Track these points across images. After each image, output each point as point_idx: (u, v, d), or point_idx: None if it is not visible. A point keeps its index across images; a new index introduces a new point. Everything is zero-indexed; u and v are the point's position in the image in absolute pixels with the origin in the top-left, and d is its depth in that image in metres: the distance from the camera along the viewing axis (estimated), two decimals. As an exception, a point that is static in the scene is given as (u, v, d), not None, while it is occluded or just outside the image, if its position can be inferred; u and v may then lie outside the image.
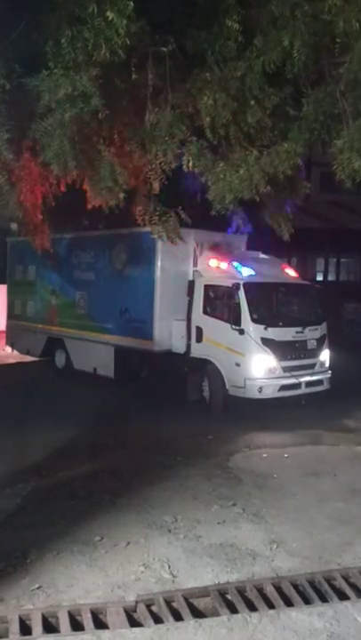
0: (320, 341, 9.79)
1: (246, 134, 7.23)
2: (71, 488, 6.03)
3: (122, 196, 6.91)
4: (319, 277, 24.82)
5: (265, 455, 7.33)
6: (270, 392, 9.02)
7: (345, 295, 19.92)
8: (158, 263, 9.94)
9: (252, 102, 6.96)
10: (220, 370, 9.34)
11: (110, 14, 5.45)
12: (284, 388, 9.15)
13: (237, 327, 9.05)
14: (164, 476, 6.39)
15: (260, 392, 8.96)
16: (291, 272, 10.61)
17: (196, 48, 6.89)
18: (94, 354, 11.33)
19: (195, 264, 10.04)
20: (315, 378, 9.59)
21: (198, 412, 9.38)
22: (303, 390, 9.36)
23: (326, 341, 9.95)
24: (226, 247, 10.45)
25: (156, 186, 7.40)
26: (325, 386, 9.77)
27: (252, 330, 9.00)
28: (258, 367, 8.99)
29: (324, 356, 9.87)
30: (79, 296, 11.88)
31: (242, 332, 9.02)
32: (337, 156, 6.77)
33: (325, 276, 24.36)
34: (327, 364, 9.95)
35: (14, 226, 13.58)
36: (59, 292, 12.46)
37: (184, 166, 7.03)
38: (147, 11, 6.02)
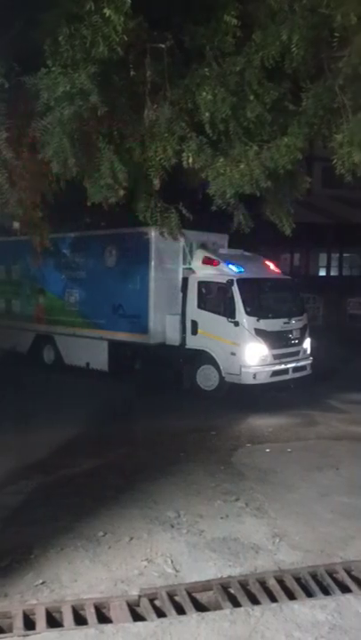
0: (303, 330, 10.75)
1: (246, 129, 7.20)
2: (74, 484, 6.06)
3: (122, 192, 6.91)
4: (322, 272, 24.82)
5: (268, 450, 7.36)
6: (263, 378, 9.92)
7: (348, 290, 19.92)
8: (152, 261, 10.59)
9: (252, 97, 6.92)
10: (215, 359, 10.09)
11: (108, 11, 5.43)
12: (275, 373, 10.08)
13: (233, 319, 9.88)
14: (167, 471, 6.42)
15: (254, 378, 9.82)
16: (273, 268, 11.53)
17: (194, 43, 6.86)
18: (87, 349, 11.78)
19: (185, 262, 10.76)
20: (300, 364, 10.55)
21: (196, 403, 9.74)
22: (291, 375, 10.34)
23: (308, 330, 10.90)
24: (212, 245, 11.25)
25: (157, 182, 7.39)
26: (308, 371, 10.73)
27: (246, 322, 9.86)
28: (252, 356, 9.84)
29: (307, 343, 10.83)
30: (69, 294, 12.27)
31: (237, 323, 9.86)
32: (337, 151, 6.75)
33: (328, 271, 24.35)
34: (309, 351, 10.87)
35: (17, 224, 13.61)
36: (47, 291, 12.81)
37: (184, 162, 7.02)
38: (144, 7, 6.00)
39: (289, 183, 8.49)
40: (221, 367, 10.04)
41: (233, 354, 9.87)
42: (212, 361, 10.18)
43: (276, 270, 11.59)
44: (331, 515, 5.37)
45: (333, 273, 24.18)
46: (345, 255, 24.57)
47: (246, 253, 11.49)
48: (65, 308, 12.39)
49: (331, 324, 17.77)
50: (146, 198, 8.11)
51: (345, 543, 4.80)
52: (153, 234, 10.15)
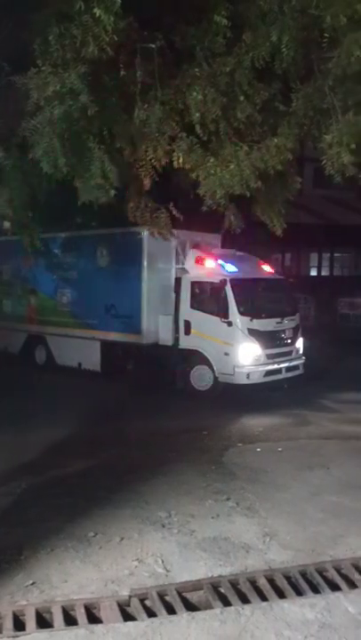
0: (295, 330, 10.73)
1: (236, 130, 7.24)
2: (66, 485, 6.04)
3: (112, 192, 6.90)
4: (313, 272, 24.90)
5: (259, 450, 7.36)
6: (257, 378, 9.89)
7: (339, 290, 20.00)
8: (145, 261, 10.56)
9: (242, 98, 6.96)
10: (209, 359, 10.07)
11: (97, 11, 5.44)
12: (268, 373, 10.05)
13: (226, 320, 9.84)
14: (159, 471, 6.41)
15: (248, 378, 9.80)
16: (266, 268, 11.50)
17: (184, 44, 6.90)
18: (79, 349, 11.77)
19: (177, 261, 10.72)
20: (293, 364, 10.54)
21: (189, 403, 9.72)
22: (284, 375, 10.33)
23: (300, 330, 10.88)
24: (205, 245, 11.15)
25: (147, 182, 7.40)
26: (301, 370, 10.71)
27: (240, 322, 9.81)
28: (245, 356, 9.81)
29: (299, 343, 10.81)
30: (61, 294, 12.23)
31: (230, 324, 9.82)
32: (326, 151, 6.79)
33: (319, 271, 24.44)
34: (301, 351, 10.85)
35: (7, 224, 13.58)
36: (39, 291, 12.76)
37: (174, 162, 7.03)
38: (134, 7, 6.01)
39: (279, 183, 8.53)
40: (215, 367, 10.02)
41: (226, 354, 9.85)
42: (205, 361, 10.16)
43: (270, 270, 11.59)
44: (321, 514, 5.39)
45: (324, 273, 24.28)
46: (336, 255, 24.68)
47: (239, 253, 11.48)
48: (57, 309, 12.35)
49: (322, 324, 17.84)
50: (136, 198, 8.11)
51: (335, 542, 4.82)
52: (145, 234, 10.14)
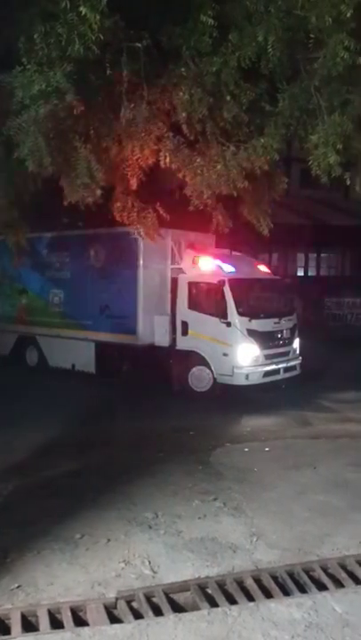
0: (292, 330, 10.71)
1: (223, 130, 7.23)
2: (54, 486, 6.01)
3: (98, 192, 6.86)
4: (300, 273, 24.98)
5: (246, 449, 7.38)
6: (256, 378, 9.83)
7: (326, 290, 20.11)
8: (141, 261, 10.45)
9: (228, 98, 6.94)
10: (207, 360, 9.99)
11: (83, 9, 5.39)
12: (267, 374, 9.99)
13: (225, 320, 9.76)
14: (147, 472, 6.40)
15: (247, 379, 9.73)
16: (263, 268, 11.49)
17: (171, 43, 6.85)
18: (72, 350, 11.61)
19: (173, 262, 10.65)
20: (290, 364, 10.52)
21: (183, 404, 9.63)
22: (282, 376, 10.29)
23: (297, 330, 10.85)
24: (200, 245, 11.05)
25: (134, 182, 7.37)
26: (298, 371, 10.71)
27: (239, 322, 9.75)
28: (244, 356, 9.75)
29: (296, 343, 10.80)
30: (53, 294, 12.05)
31: (229, 324, 9.75)
32: (312, 152, 6.80)
33: (306, 272, 24.53)
34: (298, 351, 10.83)
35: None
36: (29, 291, 12.56)
37: (161, 162, 7.01)
38: (120, 6, 5.97)
39: (266, 184, 8.54)
40: (213, 368, 9.93)
41: (225, 354, 9.78)
42: (203, 362, 10.07)
43: (266, 270, 11.55)
44: (308, 513, 5.41)
45: (311, 273, 24.38)
46: (323, 255, 24.78)
47: (235, 253, 11.37)
48: (49, 309, 12.15)
49: (309, 324, 17.90)
50: (123, 198, 8.08)
51: (321, 541, 4.84)
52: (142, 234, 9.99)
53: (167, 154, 6.97)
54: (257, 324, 9.87)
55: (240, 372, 9.68)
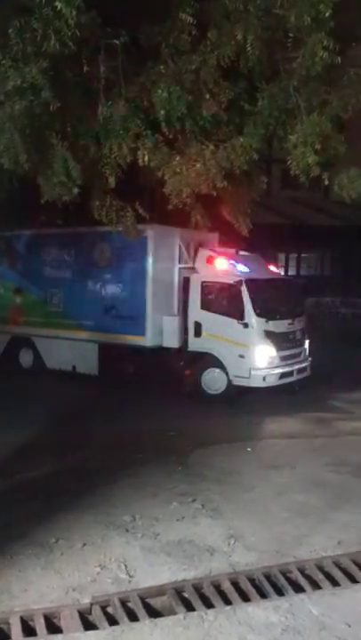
0: (303, 332, 10.55)
1: (202, 128, 7.19)
2: (30, 489, 5.90)
3: (75, 191, 6.76)
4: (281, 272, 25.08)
5: (227, 450, 7.33)
6: (273, 380, 9.63)
7: (306, 290, 20.20)
8: (150, 261, 10.08)
9: (207, 96, 6.92)
10: (222, 362, 9.75)
11: (59, 4, 5.32)
12: (282, 376, 9.79)
13: (242, 321, 9.52)
14: (125, 474, 6.31)
15: (264, 381, 9.53)
16: (273, 268, 11.36)
17: (149, 41, 6.82)
18: (73, 351, 11.13)
19: (180, 260, 10.32)
20: (302, 365, 10.32)
21: (185, 406, 9.34)
22: (296, 377, 10.07)
23: (307, 331, 10.69)
24: (206, 245, 10.66)
25: (112, 180, 7.28)
26: (308, 372, 10.48)
27: (256, 323, 9.52)
28: (262, 358, 9.55)
29: (306, 344, 10.64)
30: (51, 294, 11.55)
31: (246, 325, 9.51)
32: (291, 151, 6.80)
33: (286, 272, 24.62)
34: (308, 352, 10.67)
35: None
36: (24, 291, 12.07)
37: (139, 160, 6.94)
38: (98, 3, 5.90)
39: (246, 183, 8.53)
40: (229, 370, 9.67)
41: (242, 356, 9.53)
42: (217, 364, 9.80)
43: (276, 270, 11.35)
44: (286, 513, 5.39)
45: (291, 273, 24.50)
46: (303, 256, 24.93)
47: (243, 253, 10.91)
48: (46, 309, 11.60)
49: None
50: (101, 196, 7.99)
51: (299, 542, 4.81)
52: (151, 232, 9.77)
53: (146, 152, 6.91)
54: (273, 325, 9.68)
55: (257, 373, 9.47)
